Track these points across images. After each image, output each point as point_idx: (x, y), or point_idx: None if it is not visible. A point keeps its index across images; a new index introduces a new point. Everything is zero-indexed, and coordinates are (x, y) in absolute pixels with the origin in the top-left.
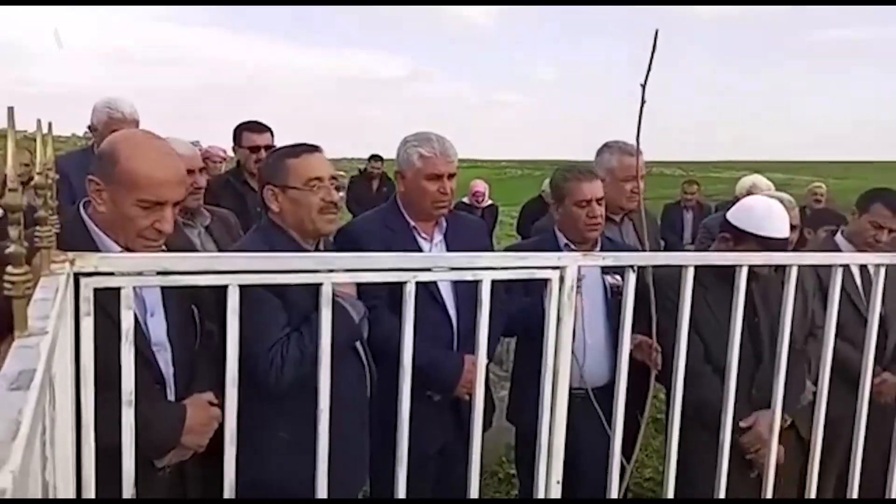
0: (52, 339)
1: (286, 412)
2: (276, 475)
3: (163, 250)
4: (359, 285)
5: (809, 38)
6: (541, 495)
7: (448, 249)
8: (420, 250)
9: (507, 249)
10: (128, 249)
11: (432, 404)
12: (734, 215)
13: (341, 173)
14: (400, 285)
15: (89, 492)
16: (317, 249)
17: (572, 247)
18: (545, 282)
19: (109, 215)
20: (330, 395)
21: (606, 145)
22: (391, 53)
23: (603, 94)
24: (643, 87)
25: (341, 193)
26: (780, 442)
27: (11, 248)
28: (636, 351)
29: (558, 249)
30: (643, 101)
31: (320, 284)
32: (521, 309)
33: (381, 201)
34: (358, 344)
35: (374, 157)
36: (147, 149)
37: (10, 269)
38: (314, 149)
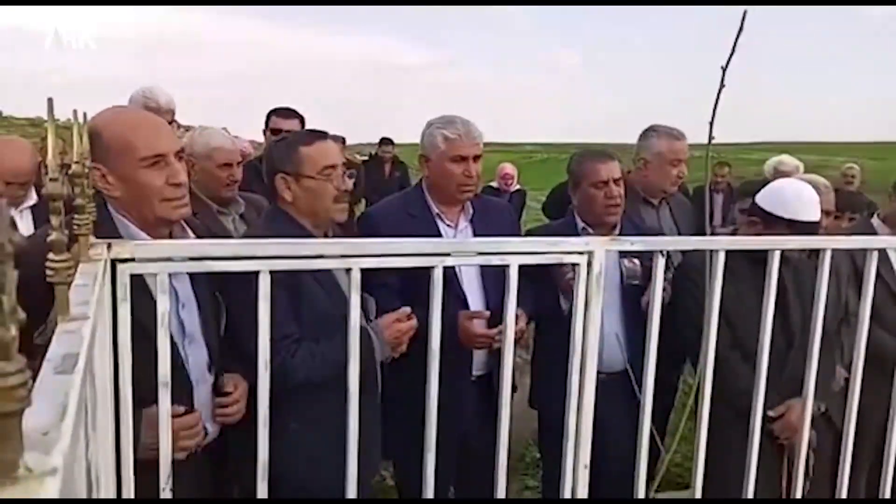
0: (93, 324)
1: (295, 405)
2: (289, 467)
3: (198, 236)
4: (373, 270)
5: (848, 14)
6: (568, 480)
7: (475, 236)
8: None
9: (528, 233)
10: (157, 226)
11: (459, 387)
12: (763, 198)
13: (358, 156)
14: (412, 274)
15: (128, 473)
16: (325, 237)
17: (589, 231)
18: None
19: (125, 196)
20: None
21: (653, 129)
22: (414, 39)
23: (628, 77)
24: (724, 69)
25: (353, 180)
26: (812, 427)
27: (53, 236)
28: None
29: (576, 233)
30: (722, 85)
31: (349, 270)
32: (539, 298)
33: (394, 185)
34: (371, 330)
35: (385, 141)
36: (121, 113)
37: (51, 255)
38: (325, 135)
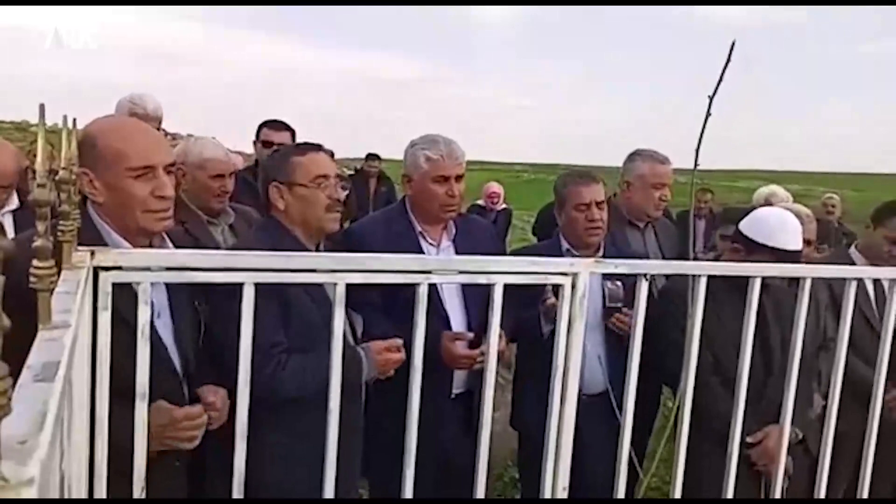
0: (74, 333)
1: (281, 417)
2: (271, 479)
3: (180, 246)
4: (357, 286)
5: (831, 49)
6: None
7: (457, 254)
8: None
9: (513, 253)
10: (137, 236)
11: (439, 405)
12: (747, 226)
13: (345, 170)
14: (394, 291)
15: (101, 484)
16: (317, 249)
17: (574, 252)
18: (548, 292)
19: (109, 203)
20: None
21: (637, 153)
22: (406, 54)
23: (620, 100)
24: (711, 98)
25: (346, 192)
26: (788, 454)
27: (38, 242)
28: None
29: (560, 254)
30: (708, 114)
31: (334, 284)
32: (520, 321)
33: (379, 201)
34: (362, 351)
35: (371, 157)
36: (118, 122)
37: (35, 262)
38: (319, 147)
